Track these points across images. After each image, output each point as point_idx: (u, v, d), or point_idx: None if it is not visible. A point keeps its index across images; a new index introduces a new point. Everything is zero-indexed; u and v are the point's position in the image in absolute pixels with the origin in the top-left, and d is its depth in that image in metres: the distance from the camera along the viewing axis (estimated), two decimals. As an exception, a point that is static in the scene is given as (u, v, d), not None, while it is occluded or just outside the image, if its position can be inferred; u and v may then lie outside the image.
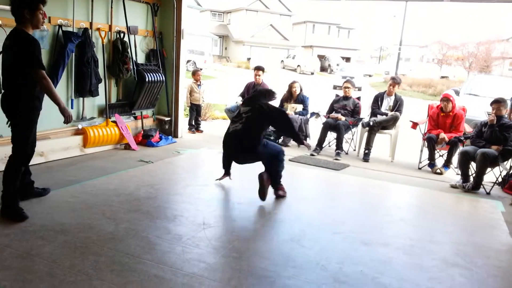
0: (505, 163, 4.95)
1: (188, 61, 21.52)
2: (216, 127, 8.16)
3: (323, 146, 6.40)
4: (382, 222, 3.65)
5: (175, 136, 6.48)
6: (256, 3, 37.62)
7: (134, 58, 5.75)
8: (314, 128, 6.85)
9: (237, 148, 3.95)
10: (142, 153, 5.41)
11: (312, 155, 6.13)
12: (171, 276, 2.44)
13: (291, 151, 6.32)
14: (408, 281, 2.60)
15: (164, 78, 6.09)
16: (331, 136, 6.60)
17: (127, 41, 5.62)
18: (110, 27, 5.43)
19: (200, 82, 7.39)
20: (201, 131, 7.32)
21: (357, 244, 3.12)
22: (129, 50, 5.62)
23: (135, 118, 6.07)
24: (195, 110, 7.28)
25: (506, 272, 2.83)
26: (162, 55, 6.24)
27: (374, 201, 4.30)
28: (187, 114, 7.58)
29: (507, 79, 13.65)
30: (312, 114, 6.89)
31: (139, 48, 5.93)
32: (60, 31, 4.75)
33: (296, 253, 2.87)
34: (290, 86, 6.96)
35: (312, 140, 6.69)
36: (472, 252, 3.08)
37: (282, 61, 34.43)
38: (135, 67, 5.71)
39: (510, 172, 5.08)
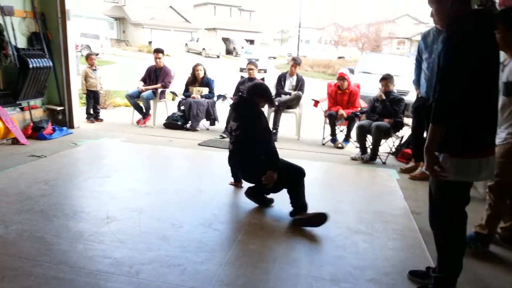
0: (397, 134, 5.41)
1: (81, 45, 20.06)
2: (118, 114, 7.71)
3: (231, 128, 6.39)
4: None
5: (71, 126, 5.96)
6: (153, -17, 36.06)
7: (13, 43, 5.11)
8: (222, 110, 6.81)
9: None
10: (33, 148, 4.87)
11: (221, 137, 6.11)
12: (72, 276, 2.24)
13: (199, 135, 6.22)
14: (317, 251, 2.71)
15: (51, 64, 5.51)
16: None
17: (2, 23, 4.96)
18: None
19: (95, 66, 6.88)
20: (101, 120, 6.85)
21: (268, 221, 3.16)
22: (5, 33, 4.98)
23: (22, 109, 5.44)
24: (93, 98, 6.77)
25: (403, 234, 3.08)
26: (46, 38, 5.63)
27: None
28: (84, 103, 7.02)
29: (395, 57, 14.95)
30: (219, 96, 6.85)
31: (18, 31, 5.26)
32: None
33: (208, 237, 2.82)
34: (194, 69, 6.82)
35: (221, 123, 6.65)
36: (373, 219, 3.31)
37: (186, 44, 33.67)
38: (15, 52, 5.08)
39: (402, 142, 5.57)
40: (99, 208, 3.21)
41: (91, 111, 6.78)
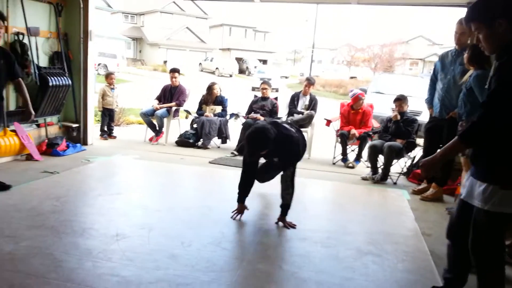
0: (409, 154, 5.37)
1: (98, 64, 20.52)
2: (131, 132, 7.82)
3: (243, 146, 6.42)
4: (300, 217, 3.69)
5: (85, 143, 6.05)
6: (170, 5, 36.90)
7: (35, 61, 5.28)
8: (234, 129, 6.86)
9: None
10: (46, 164, 4.96)
11: (233, 154, 6.14)
12: (79, 294, 2.24)
13: (210, 153, 6.25)
14: (325, 272, 2.66)
15: (70, 82, 5.66)
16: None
17: (27, 43, 5.14)
18: (6, 28, 4.88)
19: (113, 85, 7.03)
20: (114, 137, 6.95)
21: (277, 241, 3.14)
22: (29, 52, 5.16)
23: (38, 126, 5.56)
24: (108, 115, 6.89)
25: (413, 256, 3.02)
26: (68, 57, 5.80)
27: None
28: (98, 120, 7.15)
29: (408, 77, 14.98)
30: (232, 115, 6.91)
31: (41, 51, 5.43)
32: None
33: (217, 256, 2.81)
34: (211, 88, 6.91)
35: (233, 141, 6.68)
36: (383, 240, 3.26)
37: (200, 63, 34.23)
38: (36, 71, 5.23)
39: (414, 163, 5.51)
40: (108, 225, 3.23)
41: (105, 128, 6.89)
